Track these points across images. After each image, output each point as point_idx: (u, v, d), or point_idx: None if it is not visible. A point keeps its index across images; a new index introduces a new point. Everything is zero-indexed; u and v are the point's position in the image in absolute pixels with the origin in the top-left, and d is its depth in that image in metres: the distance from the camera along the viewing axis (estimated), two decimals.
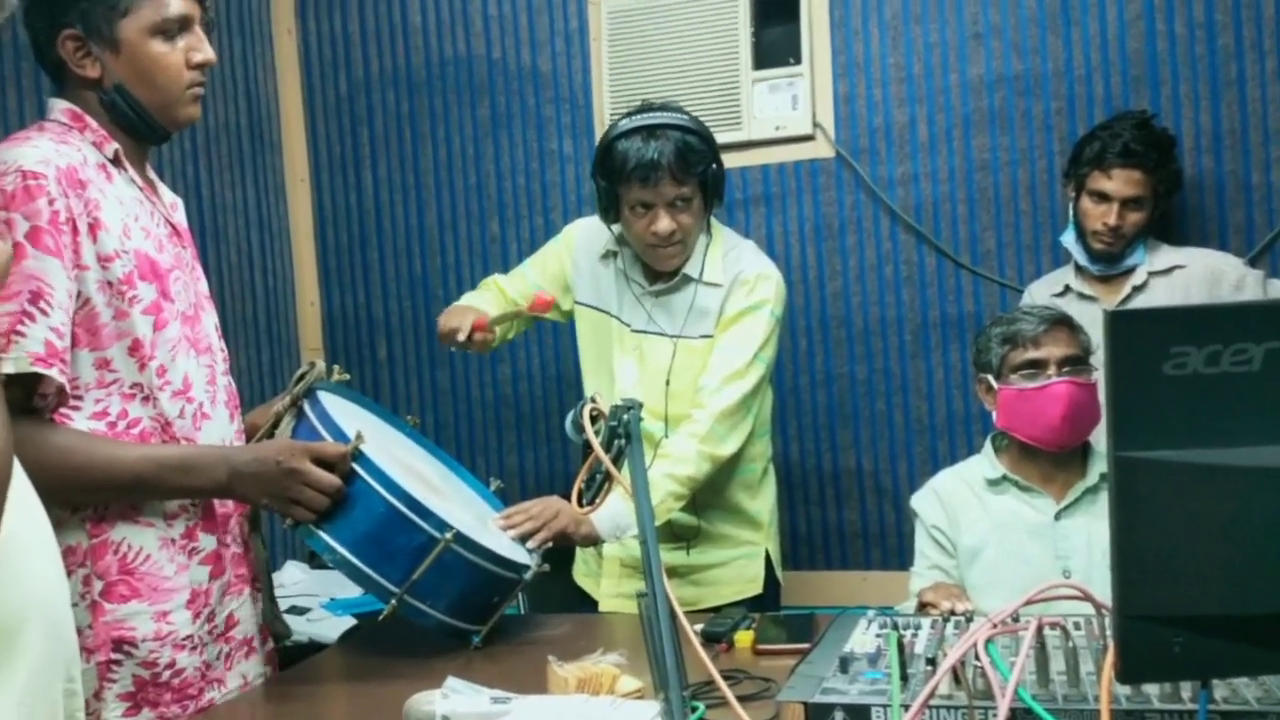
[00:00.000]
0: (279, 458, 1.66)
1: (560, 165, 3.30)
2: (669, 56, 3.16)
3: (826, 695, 1.29)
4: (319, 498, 1.68)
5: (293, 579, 3.00)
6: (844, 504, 3.15)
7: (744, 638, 1.78)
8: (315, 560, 3.02)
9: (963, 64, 3.00)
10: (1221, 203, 2.84)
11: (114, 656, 1.58)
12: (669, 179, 2.24)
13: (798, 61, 3.08)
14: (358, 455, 1.70)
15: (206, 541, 1.69)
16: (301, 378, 1.85)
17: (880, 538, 3.12)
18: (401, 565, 1.72)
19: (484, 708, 1.43)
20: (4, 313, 1.48)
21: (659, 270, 2.38)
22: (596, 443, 1.53)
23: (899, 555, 2.99)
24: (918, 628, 1.54)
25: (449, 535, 1.72)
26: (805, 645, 1.59)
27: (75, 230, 1.55)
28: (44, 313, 1.50)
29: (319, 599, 2.84)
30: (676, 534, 2.38)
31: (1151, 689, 1.25)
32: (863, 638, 1.50)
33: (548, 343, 3.30)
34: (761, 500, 2.45)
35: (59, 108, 1.67)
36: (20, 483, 1.15)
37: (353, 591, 2.73)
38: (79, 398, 1.58)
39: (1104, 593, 1.15)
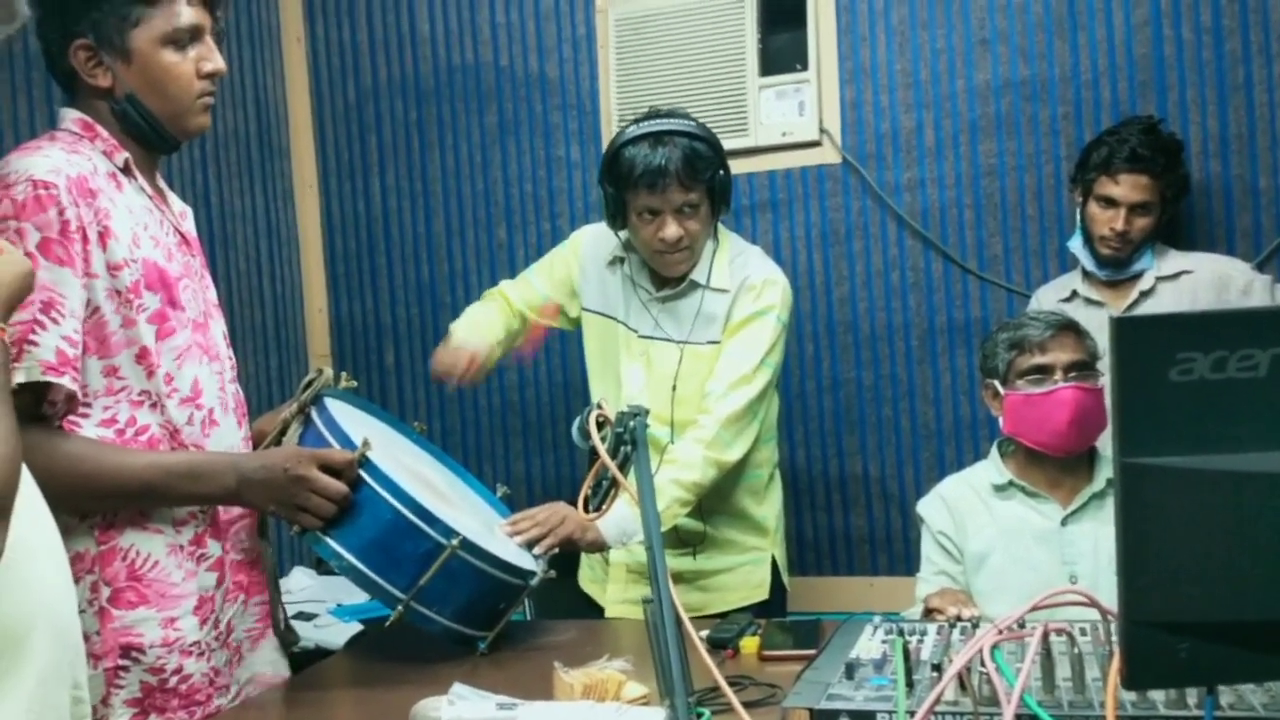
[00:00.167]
0: (286, 465, 1.66)
1: (568, 172, 3.31)
2: (676, 63, 3.16)
3: (832, 701, 1.29)
4: (326, 505, 1.68)
5: (300, 585, 3.01)
6: (850, 509, 3.14)
7: (750, 643, 1.78)
8: (322, 566, 3.03)
9: (969, 69, 3.00)
10: (1229, 207, 2.84)
11: (121, 663, 1.58)
12: (676, 185, 2.24)
13: (805, 68, 3.08)
14: (365, 462, 1.70)
15: (214, 548, 1.70)
16: (309, 384, 1.86)
17: (887, 543, 3.12)
18: (408, 571, 1.72)
19: (490, 714, 1.44)
20: (16, 322, 1.49)
21: (666, 276, 2.39)
22: (603, 449, 1.53)
23: (906, 561, 2.98)
24: (924, 634, 1.54)
25: (455, 542, 1.72)
26: (811, 651, 1.58)
27: (85, 239, 1.55)
28: (55, 321, 1.51)
29: (326, 605, 2.85)
30: (683, 539, 2.38)
31: (1157, 695, 1.25)
32: (869, 643, 1.50)
33: (554, 349, 3.29)
34: (768, 506, 2.45)
35: (70, 117, 1.68)
36: (28, 489, 1.16)
37: (359, 597, 2.75)
38: (88, 405, 1.59)
39: (1110, 598, 1.15)
